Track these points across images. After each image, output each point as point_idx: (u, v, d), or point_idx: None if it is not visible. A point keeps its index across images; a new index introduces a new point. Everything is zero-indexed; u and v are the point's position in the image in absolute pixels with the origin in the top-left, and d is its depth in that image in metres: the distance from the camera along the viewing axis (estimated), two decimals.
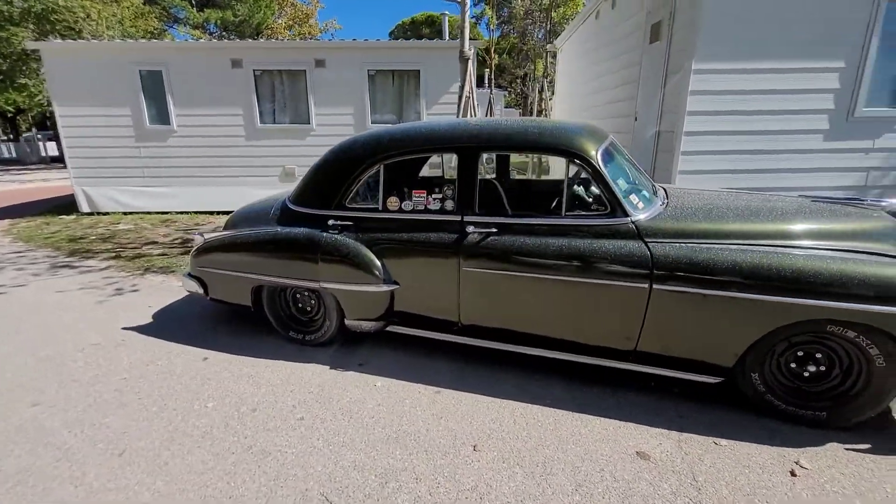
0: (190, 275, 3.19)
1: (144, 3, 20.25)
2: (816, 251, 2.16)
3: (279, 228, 2.87)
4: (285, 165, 7.58)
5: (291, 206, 2.96)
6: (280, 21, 29.03)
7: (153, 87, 7.19)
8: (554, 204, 3.02)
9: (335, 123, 7.48)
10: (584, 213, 2.44)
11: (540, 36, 18.75)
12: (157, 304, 3.81)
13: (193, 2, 25.11)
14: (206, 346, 3.06)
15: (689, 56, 4.09)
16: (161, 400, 2.47)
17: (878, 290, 1.95)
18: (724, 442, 2.14)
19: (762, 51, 4.10)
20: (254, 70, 7.15)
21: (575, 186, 2.89)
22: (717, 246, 2.23)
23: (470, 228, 2.50)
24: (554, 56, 16.43)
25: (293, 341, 3.06)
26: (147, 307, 3.76)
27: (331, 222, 2.76)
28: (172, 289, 4.19)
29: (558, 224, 2.41)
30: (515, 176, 3.85)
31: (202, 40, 8.63)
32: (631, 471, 1.95)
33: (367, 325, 2.83)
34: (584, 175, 2.54)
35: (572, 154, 2.38)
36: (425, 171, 3.91)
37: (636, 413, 2.35)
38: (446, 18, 9.33)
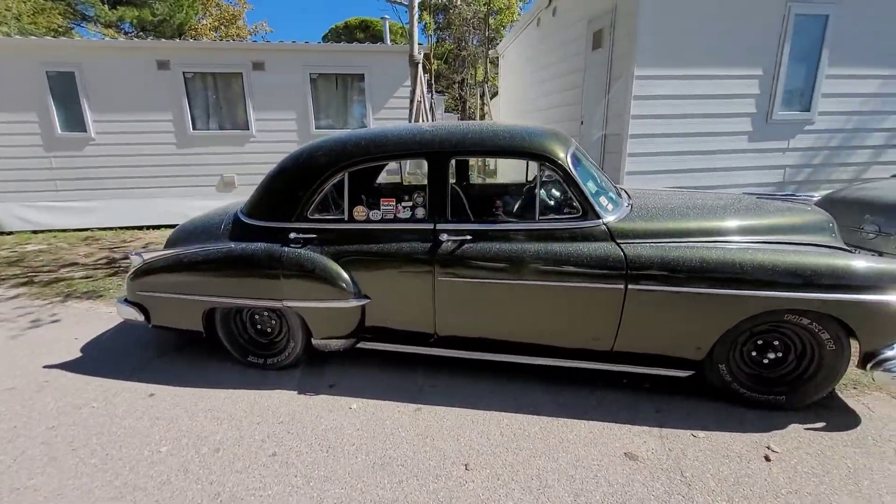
0: (127, 300, 2.83)
1: None
2: (774, 245, 2.31)
3: (233, 244, 2.62)
4: (223, 174, 7.08)
5: (245, 220, 2.72)
6: (205, 22, 27.29)
7: (64, 90, 6.42)
8: (517, 207, 3.01)
9: (277, 129, 7.10)
10: (556, 216, 2.44)
11: (475, 42, 19.10)
12: (85, 336, 3.36)
13: None
14: (151, 380, 2.73)
15: (631, 63, 4.30)
16: (102, 449, 2.14)
17: (829, 279, 2.11)
18: (701, 434, 2.21)
19: (694, 59, 4.40)
20: (184, 72, 6.60)
21: (542, 190, 2.90)
22: (684, 244, 2.32)
23: (444, 236, 2.41)
24: (493, 62, 16.81)
25: (253, 366, 2.80)
26: (73, 340, 3.30)
27: (292, 235, 2.56)
28: (102, 316, 3.72)
29: (533, 229, 2.40)
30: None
31: (121, 39, 7.83)
32: (623, 473, 1.96)
33: (337, 344, 2.66)
34: (545, 178, 2.56)
35: (543, 157, 2.38)
36: (381, 178, 3.78)
37: (616, 412, 2.38)
38: (387, 23, 9.20)
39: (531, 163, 2.76)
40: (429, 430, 2.25)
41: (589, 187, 2.42)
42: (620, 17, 4.46)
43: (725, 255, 2.22)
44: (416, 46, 4.91)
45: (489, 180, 9.42)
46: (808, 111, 4.83)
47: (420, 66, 4.95)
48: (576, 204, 2.40)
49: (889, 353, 2.21)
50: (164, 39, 9.57)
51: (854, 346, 2.22)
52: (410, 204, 2.52)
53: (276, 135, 7.10)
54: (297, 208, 2.57)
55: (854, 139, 5.08)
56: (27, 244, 6.19)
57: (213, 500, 1.84)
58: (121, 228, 6.91)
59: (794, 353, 2.34)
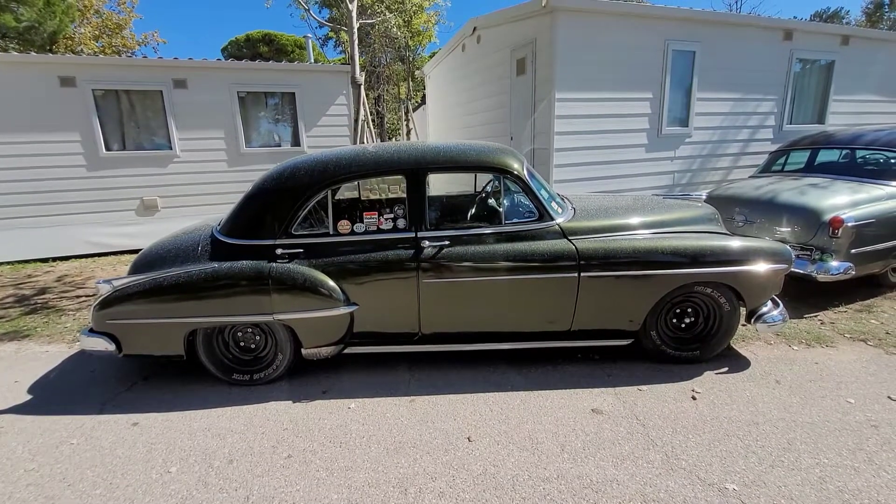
0: (92, 331, 2.72)
1: None
2: (683, 234, 2.96)
3: (216, 264, 2.66)
4: (143, 197, 6.61)
5: (226, 240, 2.78)
6: (84, 31, 24.46)
7: None
8: (484, 214, 3.40)
9: (204, 148, 6.82)
10: (518, 220, 2.87)
11: (388, 59, 19.57)
12: (26, 378, 3.08)
13: None
14: (129, 410, 2.65)
15: (552, 87, 4.98)
16: (103, 480, 2.10)
17: (723, 257, 2.79)
18: (644, 388, 2.76)
19: (601, 84, 5.23)
20: (93, 90, 6.11)
21: (505, 199, 3.35)
22: (619, 237, 2.88)
23: (425, 243, 2.72)
24: (411, 79, 17.35)
25: (238, 384, 2.84)
26: (12, 383, 3.01)
27: (279, 251, 2.69)
28: (37, 356, 3.42)
29: (501, 231, 2.81)
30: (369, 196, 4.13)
31: (13, 52, 6.85)
32: (593, 424, 2.41)
33: (327, 351, 2.82)
34: (506, 189, 3.00)
35: (506, 171, 2.81)
36: (344, 194, 3.97)
37: (577, 380, 2.85)
38: (310, 41, 9.23)
39: (487, 174, 3.17)
40: (427, 416, 2.52)
41: (542, 194, 2.89)
42: (540, 48, 5.15)
43: (650, 243, 2.81)
44: (357, 67, 5.14)
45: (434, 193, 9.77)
46: (687, 126, 5.93)
47: (362, 87, 5.19)
48: (532, 209, 2.86)
49: (764, 310, 2.96)
50: (69, 54, 8.62)
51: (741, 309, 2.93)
52: (392, 216, 2.79)
53: (202, 154, 6.82)
54: (281, 225, 2.71)
55: (719, 149, 6.32)
56: None
57: (244, 502, 1.94)
58: (20, 262, 6.12)
59: (702, 316, 3.00)
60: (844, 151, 5.22)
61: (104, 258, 6.41)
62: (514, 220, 2.87)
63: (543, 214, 2.84)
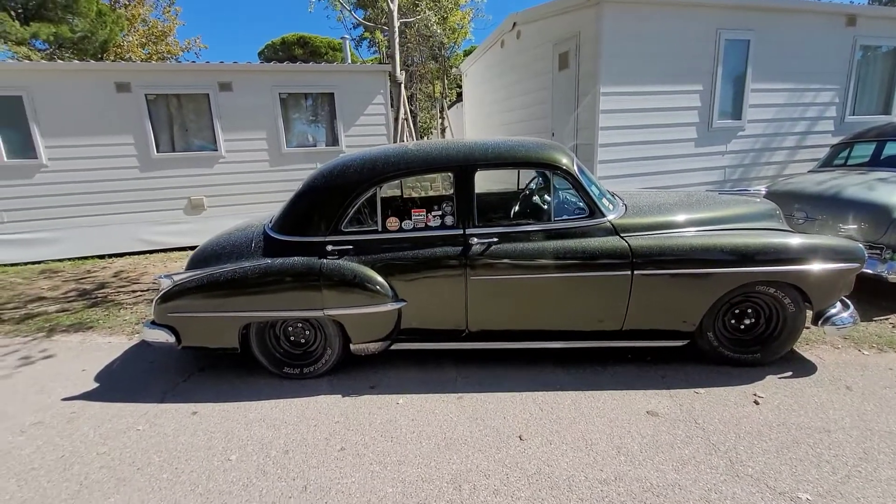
0: (154, 323, 2.84)
1: None
2: (744, 231, 2.82)
3: (269, 260, 2.74)
4: (191, 196, 6.90)
5: (278, 236, 2.85)
6: (132, 39, 25.76)
7: (10, 115, 6.02)
8: (519, 211, 3.35)
9: (247, 149, 7.04)
10: (568, 217, 2.81)
11: (422, 59, 19.65)
12: (93, 367, 3.26)
13: (14, 14, 21.11)
14: (188, 399, 2.76)
15: (597, 81, 4.85)
16: (169, 465, 2.19)
17: (787, 255, 2.64)
18: (701, 390, 2.64)
19: (648, 77, 5.05)
20: (146, 94, 6.41)
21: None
22: (675, 234, 2.77)
23: (473, 240, 2.70)
24: (445, 77, 17.35)
25: (289, 377, 2.91)
26: (80, 372, 3.20)
27: (329, 248, 2.73)
28: (101, 347, 3.61)
29: (550, 228, 2.75)
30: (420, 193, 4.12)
31: (75, 61, 7.28)
32: (650, 427, 2.33)
33: (375, 346, 2.84)
34: (534, 185, 2.92)
35: (556, 167, 2.75)
36: (386, 193, 4.00)
37: (629, 381, 2.76)
38: (346, 42, 9.38)
39: (534, 171, 3.11)
40: (476, 414, 2.50)
41: (592, 191, 2.81)
42: (584, 42, 5.03)
43: (708, 240, 2.69)
44: (398, 66, 5.18)
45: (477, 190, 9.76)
46: (740, 119, 5.66)
47: (402, 85, 5.22)
48: (583, 205, 2.79)
49: (832, 311, 2.78)
50: (122, 61, 9.10)
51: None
52: (440, 213, 2.78)
53: (246, 154, 7.04)
54: (331, 222, 2.75)
55: (774, 142, 5.99)
56: None
57: (303, 492, 1.98)
58: (80, 259, 6.51)
59: (763, 317, 2.85)
60: None
61: (155, 255, 6.72)
62: (564, 217, 2.80)
63: (594, 211, 2.77)
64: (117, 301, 4.66)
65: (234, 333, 2.78)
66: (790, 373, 2.81)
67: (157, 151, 6.65)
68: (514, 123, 6.98)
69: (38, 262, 6.40)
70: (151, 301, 4.70)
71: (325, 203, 2.78)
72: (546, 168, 2.78)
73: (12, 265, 6.30)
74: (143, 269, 5.90)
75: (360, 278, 2.67)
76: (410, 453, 2.20)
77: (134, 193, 6.64)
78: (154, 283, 5.15)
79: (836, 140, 6.23)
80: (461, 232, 2.73)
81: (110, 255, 6.60)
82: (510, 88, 7.11)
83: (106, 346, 3.64)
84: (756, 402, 2.50)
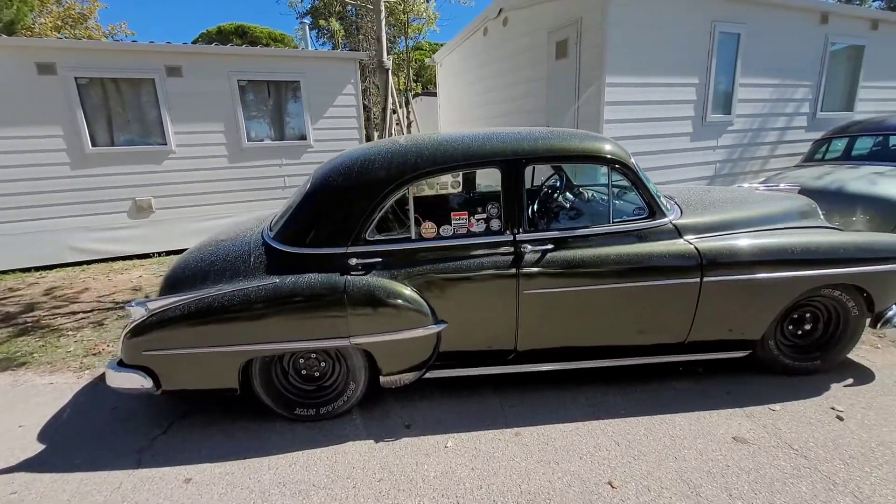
0: (123, 365, 2.20)
1: None
2: (805, 230, 2.61)
3: (276, 279, 2.18)
4: (136, 198, 5.96)
5: (283, 248, 2.29)
6: (44, 20, 22.82)
7: None
8: (568, 212, 2.98)
9: (201, 143, 6.19)
10: (629, 218, 2.47)
11: (373, 50, 18.86)
12: (33, 421, 2.53)
13: None
14: (174, 460, 2.15)
15: (601, 72, 4.59)
16: None
17: (858, 255, 2.45)
18: (777, 406, 2.40)
19: (650, 68, 4.87)
20: (76, 78, 5.42)
21: (583, 193, 2.94)
22: (739, 234, 2.51)
23: (526, 247, 2.29)
24: (408, 68, 16.72)
25: (302, 419, 2.37)
26: (16, 429, 2.46)
27: (353, 261, 2.22)
28: (40, 390, 2.86)
29: (611, 232, 2.40)
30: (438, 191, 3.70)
31: None
32: (746, 457, 2.04)
33: (409, 377, 2.37)
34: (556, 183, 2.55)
35: (616, 161, 2.40)
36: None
37: (694, 400, 2.48)
38: (306, 28, 8.60)
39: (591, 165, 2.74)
40: (544, 455, 2.10)
41: (652, 188, 2.49)
42: (586, 29, 4.75)
43: (780, 240, 2.45)
44: (384, 52, 4.64)
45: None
46: (730, 114, 5.64)
47: (390, 72, 4.69)
48: (642, 205, 2.46)
49: (890, 312, 2.64)
50: (45, 38, 7.77)
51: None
52: (485, 216, 2.35)
53: (200, 149, 6.19)
54: (354, 230, 2.24)
55: (758, 137, 6.06)
56: None
57: None
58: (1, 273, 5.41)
59: (823, 321, 2.67)
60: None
61: (94, 266, 5.74)
62: (624, 219, 2.46)
63: (656, 211, 2.45)
64: (54, 326, 3.82)
65: (234, 371, 2.20)
66: (850, 379, 2.64)
67: (93, 145, 5.67)
68: (504, 116, 6.63)
69: None
70: (98, 325, 3.93)
71: (345, 206, 2.25)
72: (604, 163, 2.42)
73: None
74: (82, 285, 4.96)
75: (393, 298, 2.18)
76: None
77: (65, 195, 5.62)
78: (119, 307, 4.32)
79: (808, 135, 6.43)
80: (511, 238, 2.31)
81: (38, 268, 5.55)
82: (497, 79, 6.75)
83: (47, 388, 2.88)
84: (840, 419, 2.29)
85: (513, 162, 2.30)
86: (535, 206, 2.61)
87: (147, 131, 5.92)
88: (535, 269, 2.28)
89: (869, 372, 2.71)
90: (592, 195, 3.04)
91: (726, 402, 2.46)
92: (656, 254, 2.36)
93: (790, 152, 6.34)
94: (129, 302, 2.20)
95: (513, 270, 2.28)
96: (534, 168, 2.77)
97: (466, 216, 2.33)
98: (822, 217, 3.04)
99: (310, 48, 8.73)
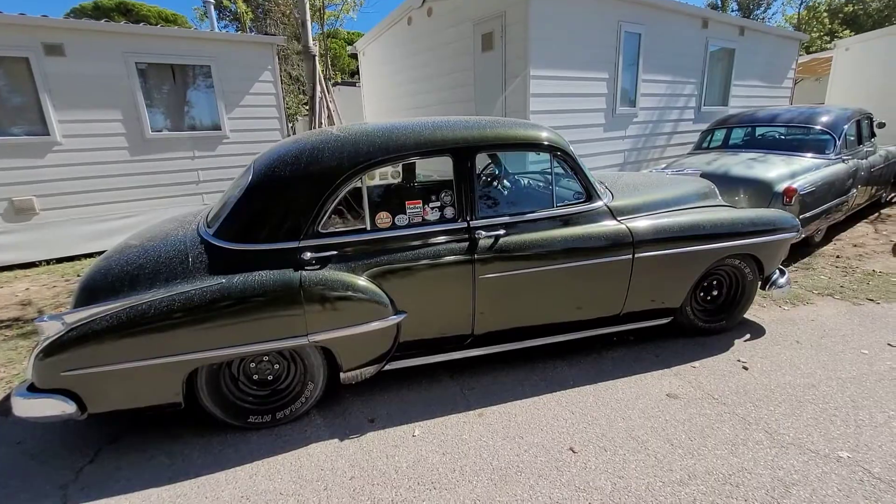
0: (35, 390, 1.89)
1: None
2: (711, 208, 2.99)
3: (223, 279, 2.01)
4: (13, 198, 5.08)
5: (226, 245, 2.12)
6: None
7: None
8: (513, 197, 3.09)
9: (94, 133, 5.44)
10: (568, 202, 2.64)
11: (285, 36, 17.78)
12: None
13: None
14: (109, 491, 1.91)
15: (526, 64, 4.79)
16: None
17: (753, 228, 2.87)
18: (696, 364, 2.75)
19: (569, 62, 5.18)
20: None
21: (524, 180, 3.07)
22: (660, 214, 2.81)
23: (480, 233, 2.36)
24: (326, 56, 15.96)
25: (255, 427, 2.23)
26: None
27: (307, 255, 2.12)
28: None
29: (556, 215, 2.55)
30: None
31: None
32: (680, 410, 2.31)
33: (370, 371, 2.33)
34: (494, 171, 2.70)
35: (558, 149, 2.55)
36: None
37: (630, 365, 2.76)
38: (211, 7, 7.83)
39: (532, 152, 2.86)
40: (508, 431, 2.21)
41: (589, 174, 2.69)
42: (510, 23, 4.91)
43: (694, 217, 2.78)
44: (310, 36, 4.40)
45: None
46: (634, 107, 6.22)
47: (316, 58, 4.47)
48: (581, 190, 2.65)
49: (776, 276, 3.14)
50: None
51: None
52: (438, 204, 2.37)
53: (93, 140, 5.43)
54: (306, 223, 2.14)
55: (657, 128, 6.76)
56: None
57: None
58: None
59: (725, 287, 3.09)
60: (766, 129, 5.88)
61: None
62: (566, 203, 2.63)
63: (592, 195, 2.65)
64: None
65: (177, 384, 2.00)
66: (748, 335, 3.10)
67: None
68: (433, 106, 6.65)
69: None
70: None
71: (295, 198, 2.14)
72: (546, 150, 2.55)
73: None
74: None
75: (353, 291, 2.13)
76: (466, 499, 1.82)
77: None
78: (4, 326, 3.66)
79: (695, 127, 7.29)
80: (465, 225, 2.36)
81: None
82: (424, 69, 6.73)
83: None
84: (745, 368, 2.68)
85: (464, 149, 2.34)
86: (482, 194, 2.68)
87: (22, 119, 5.05)
88: (490, 255, 2.36)
89: (760, 328, 3.20)
90: (529, 182, 3.19)
91: (656, 364, 2.76)
92: (596, 234, 2.56)
93: (682, 142, 7.15)
94: (38, 317, 1.89)
95: (469, 256, 2.33)
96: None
97: (421, 205, 2.34)
98: (719, 197, 3.50)
99: (216, 30, 8.00)
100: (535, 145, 2.54)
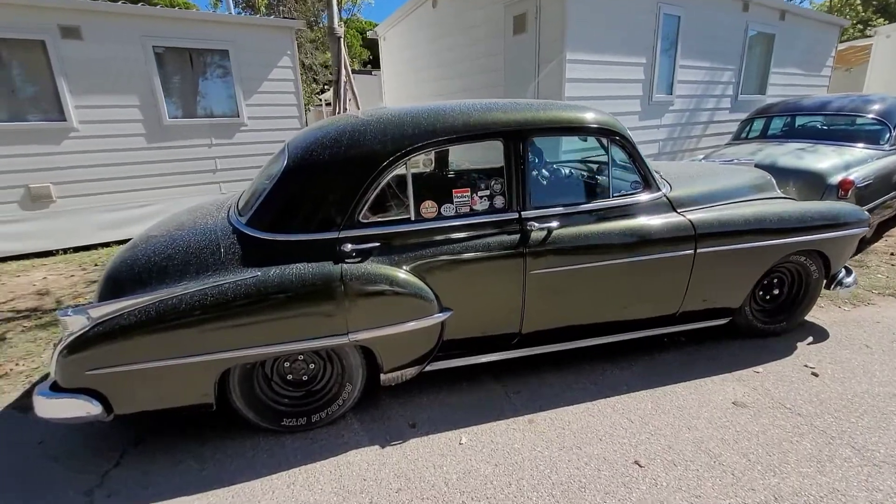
0: (59, 389, 1.75)
1: None
2: (776, 200, 2.75)
3: (258, 272, 1.84)
4: (30, 185, 4.98)
5: (262, 236, 1.95)
6: None
7: None
8: (568, 187, 2.87)
9: (111, 119, 5.31)
10: (626, 193, 2.42)
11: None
12: None
13: None
14: (140, 498, 1.77)
15: (562, 47, 4.54)
16: None
17: (823, 222, 2.63)
18: (759, 369, 2.54)
19: (606, 46, 4.91)
20: None
21: (581, 167, 2.87)
22: (723, 206, 2.58)
23: (532, 225, 2.16)
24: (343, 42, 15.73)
25: (290, 431, 2.08)
26: None
27: (347, 247, 1.94)
28: None
29: (612, 206, 2.35)
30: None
31: None
32: (751, 420, 2.11)
33: (412, 372, 2.16)
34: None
35: (615, 133, 2.34)
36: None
37: (687, 369, 2.55)
38: None
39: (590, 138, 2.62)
40: (563, 441, 2.02)
41: (648, 162, 2.47)
42: (546, 4, 4.65)
43: (756, 210, 2.55)
44: (336, 17, 4.20)
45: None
46: (671, 94, 5.92)
47: (342, 40, 4.27)
48: (639, 179, 2.43)
49: (842, 274, 2.89)
50: None
51: None
52: (488, 193, 2.17)
53: (110, 126, 5.30)
54: (346, 211, 1.96)
55: (693, 117, 6.45)
56: None
57: None
58: None
59: (786, 285, 2.86)
60: (808, 118, 5.56)
61: None
62: (622, 193, 2.41)
63: (651, 185, 2.43)
64: None
65: (209, 384, 1.85)
66: (811, 338, 2.87)
67: None
68: (457, 93, 6.41)
69: None
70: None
71: (334, 185, 1.96)
72: (603, 135, 2.34)
73: None
74: None
75: (398, 286, 1.95)
76: None
77: None
78: (23, 317, 3.57)
79: (732, 116, 6.96)
80: (516, 216, 2.16)
81: None
82: (449, 53, 6.48)
83: None
84: (815, 374, 2.46)
85: (517, 133, 2.13)
86: (533, 182, 2.47)
87: (38, 105, 4.94)
88: (542, 248, 2.17)
89: (822, 330, 2.96)
90: (580, 169, 2.98)
91: (714, 368, 2.55)
92: (656, 227, 2.35)
93: (718, 132, 6.84)
94: (62, 310, 1.74)
95: (520, 250, 2.14)
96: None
97: (469, 193, 2.14)
98: (777, 189, 3.25)
99: (232, 13, 7.83)
100: (591, 129, 2.32)
